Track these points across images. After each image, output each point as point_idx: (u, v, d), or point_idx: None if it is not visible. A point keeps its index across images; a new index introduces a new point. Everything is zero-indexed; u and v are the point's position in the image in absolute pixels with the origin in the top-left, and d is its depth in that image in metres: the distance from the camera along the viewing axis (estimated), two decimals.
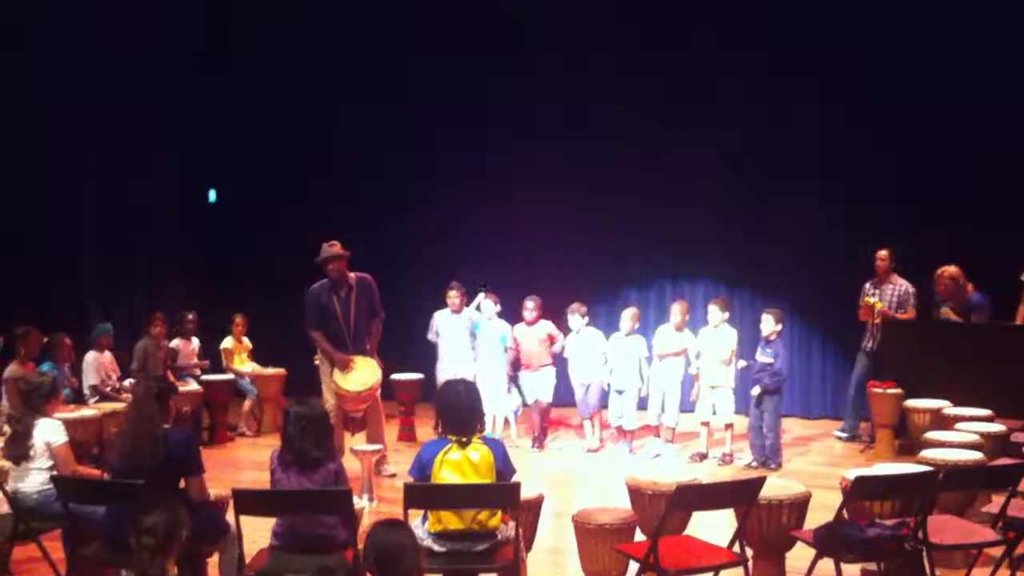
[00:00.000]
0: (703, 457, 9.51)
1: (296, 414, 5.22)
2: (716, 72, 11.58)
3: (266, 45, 12.94)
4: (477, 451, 5.00)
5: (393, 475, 8.60)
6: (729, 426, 9.43)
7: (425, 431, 9.55)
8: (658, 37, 11.75)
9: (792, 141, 11.28)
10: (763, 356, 9.08)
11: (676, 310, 9.74)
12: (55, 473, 5.78)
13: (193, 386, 10.28)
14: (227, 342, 11.16)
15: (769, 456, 9.10)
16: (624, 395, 9.78)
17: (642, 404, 9.95)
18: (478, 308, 10.19)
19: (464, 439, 5.03)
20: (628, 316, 9.83)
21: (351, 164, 12.80)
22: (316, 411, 5.31)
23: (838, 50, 11.01)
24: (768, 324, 9.08)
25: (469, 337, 10.20)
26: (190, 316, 10.92)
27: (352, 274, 8.43)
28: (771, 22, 11.35)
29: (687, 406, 9.78)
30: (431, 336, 10.41)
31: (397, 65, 12.54)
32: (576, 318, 9.92)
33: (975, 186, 10.33)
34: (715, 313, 9.40)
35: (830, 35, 11.08)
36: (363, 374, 8.29)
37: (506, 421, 10.34)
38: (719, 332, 9.40)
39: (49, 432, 6.02)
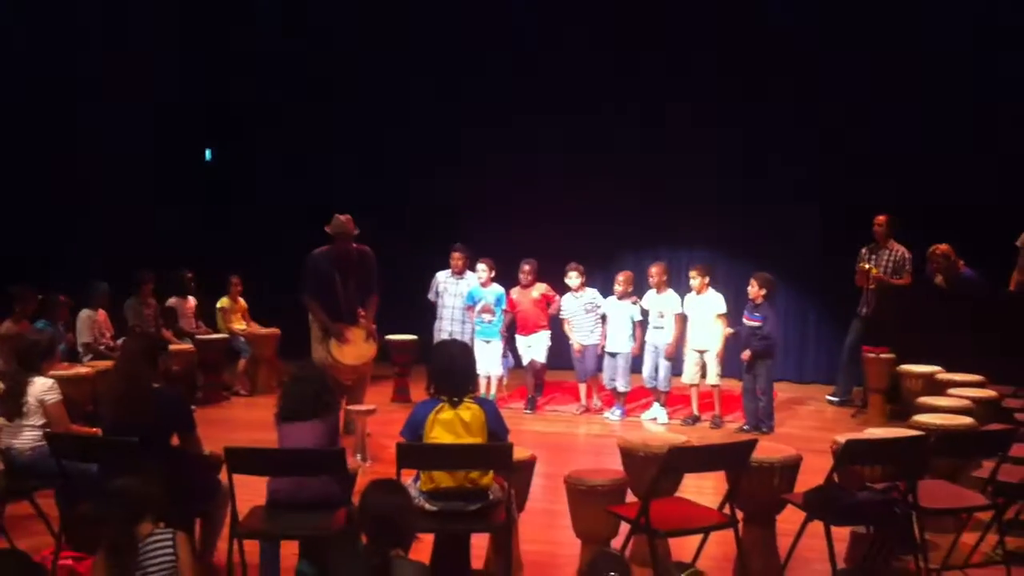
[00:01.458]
0: (695, 420, 9.56)
1: (295, 379, 5.33)
2: (717, 49, 11.52)
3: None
4: (468, 410, 5.00)
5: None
6: (715, 387, 9.48)
7: (419, 392, 9.57)
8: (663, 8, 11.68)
9: (792, 112, 11.24)
10: (751, 320, 9.11)
11: (654, 271, 9.72)
12: (49, 430, 5.79)
13: (186, 345, 10.30)
14: (223, 301, 11.18)
15: (762, 420, 9.14)
16: (617, 358, 9.80)
17: (637, 367, 9.97)
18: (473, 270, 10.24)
19: (456, 399, 5.04)
20: (621, 279, 9.83)
21: (353, 135, 12.72)
22: (314, 370, 5.40)
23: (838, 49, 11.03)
24: (752, 288, 9.12)
25: (465, 301, 10.24)
26: (188, 275, 10.95)
27: (355, 246, 8.38)
28: None
29: (679, 370, 9.80)
30: (431, 296, 10.45)
31: (409, 37, 12.47)
32: (573, 277, 9.94)
33: (976, 162, 10.34)
34: (695, 279, 9.47)
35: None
36: (359, 347, 8.27)
37: (501, 379, 10.34)
38: (703, 298, 9.44)
39: (43, 390, 6.03)
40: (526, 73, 12.04)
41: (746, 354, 9.11)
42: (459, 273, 10.29)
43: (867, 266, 9.84)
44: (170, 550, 4.07)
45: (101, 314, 9.83)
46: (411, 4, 12.43)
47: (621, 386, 9.81)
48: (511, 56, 12.17)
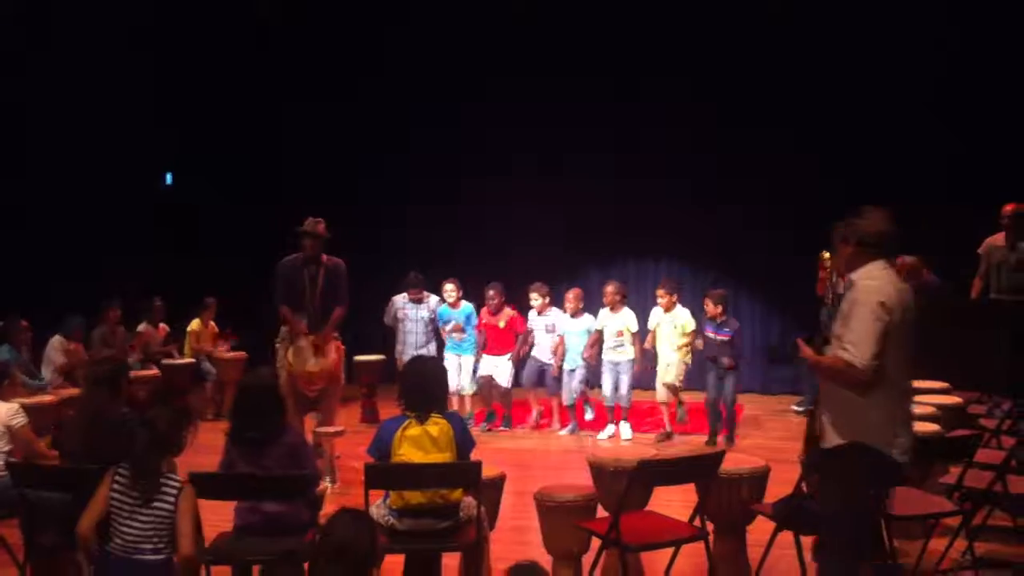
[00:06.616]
0: (668, 436, 9.54)
1: (242, 389, 5.28)
2: (692, 70, 11.56)
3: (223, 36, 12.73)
4: (436, 425, 4.98)
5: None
6: (675, 393, 9.52)
7: (388, 412, 9.50)
8: (637, 28, 11.70)
9: (758, 124, 11.31)
10: (719, 335, 9.09)
11: (609, 291, 9.66)
12: (12, 459, 5.70)
13: (152, 370, 10.22)
14: (194, 324, 11.11)
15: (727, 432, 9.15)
16: (574, 374, 9.80)
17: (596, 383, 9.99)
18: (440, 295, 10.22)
19: (423, 415, 5.00)
20: (571, 297, 9.84)
21: (313, 159, 12.65)
22: (262, 382, 5.27)
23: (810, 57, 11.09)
24: (709, 307, 9.13)
25: (429, 324, 10.23)
26: (157, 302, 10.90)
27: (324, 256, 8.26)
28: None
29: (639, 384, 9.81)
30: (387, 320, 10.41)
31: (357, 61, 12.44)
32: (535, 298, 9.94)
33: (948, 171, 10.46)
34: (663, 298, 9.47)
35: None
36: (316, 356, 8.12)
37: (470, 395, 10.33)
38: (671, 315, 9.46)
39: (8, 415, 5.94)
40: (497, 96, 12.05)
41: (729, 361, 9.07)
42: (417, 301, 10.28)
43: (826, 254, 9.94)
44: (171, 499, 4.29)
45: (76, 346, 9.74)
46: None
47: (567, 400, 9.82)
48: (482, 78, 12.17)
